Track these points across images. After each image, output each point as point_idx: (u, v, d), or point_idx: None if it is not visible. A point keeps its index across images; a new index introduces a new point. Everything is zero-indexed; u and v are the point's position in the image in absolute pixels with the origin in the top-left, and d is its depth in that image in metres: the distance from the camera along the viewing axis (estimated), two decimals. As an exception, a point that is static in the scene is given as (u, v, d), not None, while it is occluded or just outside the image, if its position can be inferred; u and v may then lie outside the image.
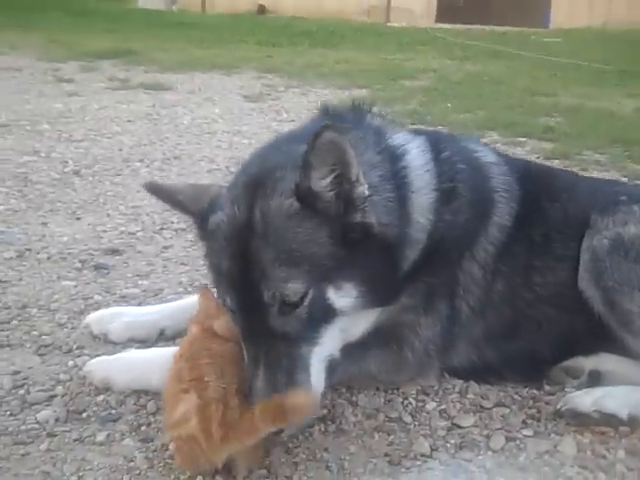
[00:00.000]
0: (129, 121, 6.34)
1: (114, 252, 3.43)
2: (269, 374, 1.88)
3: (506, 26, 17.03)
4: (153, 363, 2.30)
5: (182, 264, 3.35)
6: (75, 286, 3.04)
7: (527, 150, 5.70)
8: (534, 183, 2.56)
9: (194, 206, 2.15)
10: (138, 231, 3.73)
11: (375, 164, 2.15)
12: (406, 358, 2.30)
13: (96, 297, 2.94)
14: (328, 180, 1.91)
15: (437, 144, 2.42)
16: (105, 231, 3.70)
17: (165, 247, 3.55)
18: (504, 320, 2.42)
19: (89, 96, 7.38)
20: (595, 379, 2.36)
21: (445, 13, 19.06)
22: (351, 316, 2.05)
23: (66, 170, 4.75)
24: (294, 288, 1.89)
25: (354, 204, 1.96)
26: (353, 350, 2.23)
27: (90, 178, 4.61)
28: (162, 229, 3.77)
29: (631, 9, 18.58)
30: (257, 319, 1.92)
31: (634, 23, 17.06)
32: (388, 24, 17.03)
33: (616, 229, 2.35)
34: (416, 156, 2.29)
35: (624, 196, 2.55)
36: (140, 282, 3.12)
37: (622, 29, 16.34)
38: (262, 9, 18.17)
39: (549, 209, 2.50)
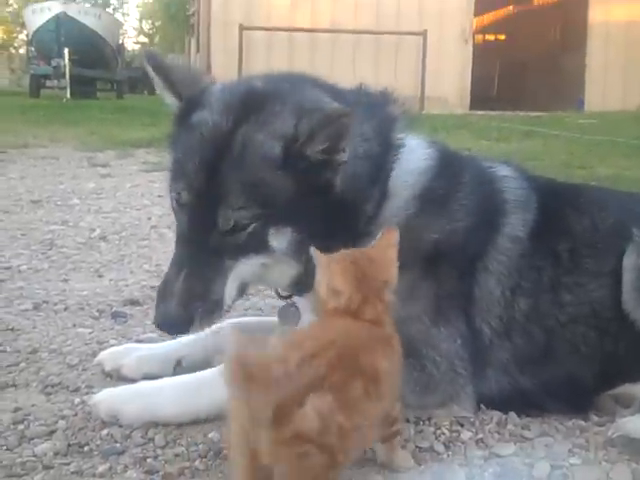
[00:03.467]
0: (160, 196, 6.29)
1: (134, 303, 3.30)
2: (190, 278, 2.01)
3: (539, 112, 17.08)
4: (164, 392, 2.13)
5: (203, 313, 3.19)
6: (90, 332, 2.90)
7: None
8: (557, 197, 2.42)
9: (184, 90, 2.15)
10: (161, 285, 3.59)
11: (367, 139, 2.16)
12: (432, 375, 2.11)
13: (111, 341, 2.78)
14: (320, 149, 1.97)
15: (447, 155, 2.35)
16: (127, 285, 3.59)
17: (187, 299, 3.40)
18: (535, 343, 2.22)
19: (122, 177, 7.40)
20: (649, 406, 2.13)
21: (478, 102, 19.27)
22: (280, 259, 2.08)
23: (92, 236, 4.68)
24: (246, 215, 1.97)
25: (329, 165, 2.01)
26: None
27: (116, 242, 4.54)
28: (185, 284, 3.64)
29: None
30: (200, 223, 2.01)
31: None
32: (422, 112, 17.17)
33: None
34: (412, 154, 2.24)
35: None
36: (158, 328, 2.97)
37: (658, 112, 16.34)
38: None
39: (575, 223, 2.34)
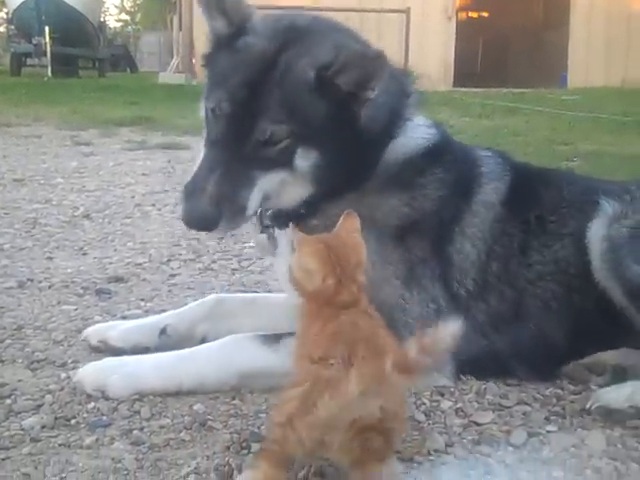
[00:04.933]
0: (143, 174, 6.32)
1: (118, 280, 3.32)
2: (221, 180, 2.10)
3: (523, 88, 17.12)
4: (148, 363, 2.20)
5: (188, 288, 3.24)
6: (75, 309, 2.92)
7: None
8: (529, 174, 2.63)
9: (235, 17, 2.25)
10: (145, 262, 3.62)
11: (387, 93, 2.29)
12: (404, 338, 2.14)
13: (96, 318, 2.81)
14: (351, 81, 2.12)
15: (442, 136, 2.49)
16: (111, 263, 3.61)
17: (172, 275, 3.44)
18: (508, 302, 2.35)
19: (105, 155, 7.39)
20: (620, 374, 2.21)
21: (462, 78, 19.29)
22: (298, 178, 2.21)
23: (76, 214, 4.69)
24: (282, 130, 2.11)
25: (356, 98, 2.16)
26: None
27: (100, 220, 4.55)
28: (170, 260, 3.67)
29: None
30: (237, 133, 2.12)
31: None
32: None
33: (635, 216, 2.27)
34: (416, 128, 2.41)
35: (634, 186, 2.48)
36: (143, 304, 3.01)
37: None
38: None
39: (543, 193, 2.51)
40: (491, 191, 2.44)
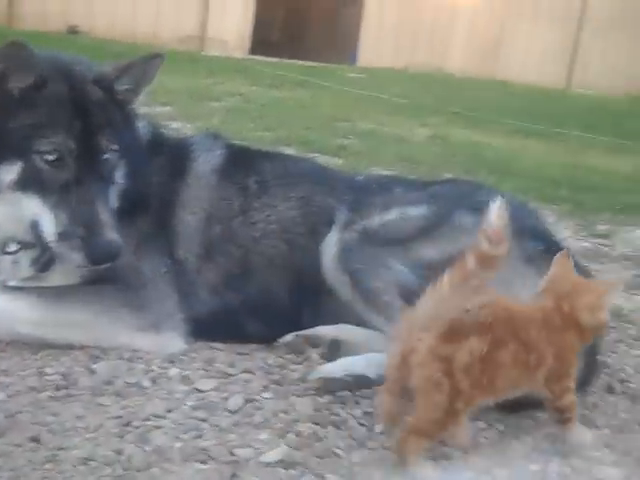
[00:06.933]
0: None
1: None
2: (104, 209, 2.28)
3: (316, 62, 17.54)
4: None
5: None
6: None
7: (318, 163, 5.81)
8: (247, 149, 3.01)
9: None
10: None
11: None
12: (139, 295, 2.39)
13: None
14: (127, 87, 2.44)
15: (155, 130, 2.80)
16: None
17: None
18: (234, 259, 2.58)
19: None
20: (335, 348, 2.42)
21: (259, 46, 19.39)
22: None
23: None
24: (114, 139, 2.36)
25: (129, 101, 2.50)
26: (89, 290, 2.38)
27: None
28: None
29: (433, 54, 19.86)
30: (87, 165, 2.29)
31: (433, 68, 18.30)
32: (202, 53, 17.06)
33: (362, 222, 2.54)
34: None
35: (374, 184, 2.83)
36: None
37: (422, 72, 17.42)
38: (73, 29, 17.62)
39: (265, 163, 2.83)
40: (202, 163, 2.70)
